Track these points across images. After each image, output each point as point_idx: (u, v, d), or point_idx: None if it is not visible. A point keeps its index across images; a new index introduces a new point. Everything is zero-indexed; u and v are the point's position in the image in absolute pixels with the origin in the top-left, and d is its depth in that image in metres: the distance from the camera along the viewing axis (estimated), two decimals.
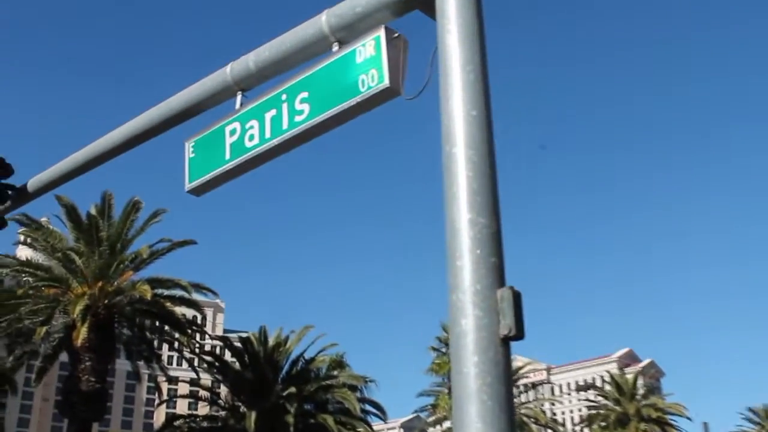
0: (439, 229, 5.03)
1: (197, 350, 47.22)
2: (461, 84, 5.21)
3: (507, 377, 4.57)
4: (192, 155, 7.54)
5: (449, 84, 5.25)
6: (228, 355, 53.56)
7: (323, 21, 6.54)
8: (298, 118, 6.60)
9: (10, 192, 10.27)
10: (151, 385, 46.02)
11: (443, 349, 61.79)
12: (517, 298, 4.66)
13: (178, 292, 39.66)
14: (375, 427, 52.62)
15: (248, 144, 6.98)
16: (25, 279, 37.88)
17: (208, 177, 7.33)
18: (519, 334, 4.60)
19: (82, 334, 33.41)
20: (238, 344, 50.49)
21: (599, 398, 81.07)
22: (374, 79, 6.03)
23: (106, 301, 35.98)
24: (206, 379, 51.92)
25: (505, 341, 4.60)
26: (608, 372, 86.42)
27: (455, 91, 5.21)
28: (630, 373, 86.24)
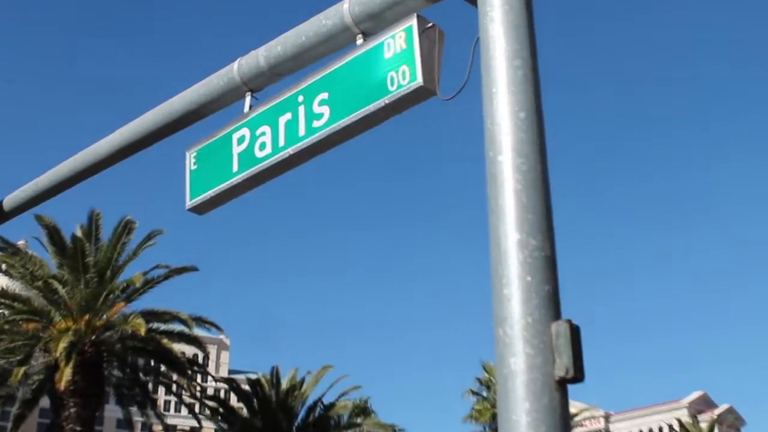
0: (483, 252, 4.99)
1: (199, 394, 47.31)
2: (507, 81, 5.18)
3: (564, 426, 4.51)
4: (194, 167, 7.55)
5: (493, 81, 5.22)
6: (234, 400, 53.73)
7: (345, 9, 6.53)
8: (316, 123, 6.59)
9: None
10: None
11: (484, 393, 61.73)
12: (575, 333, 4.60)
13: (177, 327, 39.88)
14: None
15: (259, 154, 6.98)
16: None
17: (212, 192, 7.33)
18: (578, 376, 4.53)
19: (65, 375, 33.59)
20: (246, 387, 50.65)
21: None
22: (405, 76, 6.01)
23: (93, 338, 36.21)
24: (209, 427, 52.08)
25: (562, 384, 4.54)
26: (678, 420, 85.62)
27: (500, 90, 5.17)
28: (704, 422, 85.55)
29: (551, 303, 4.69)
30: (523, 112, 5.09)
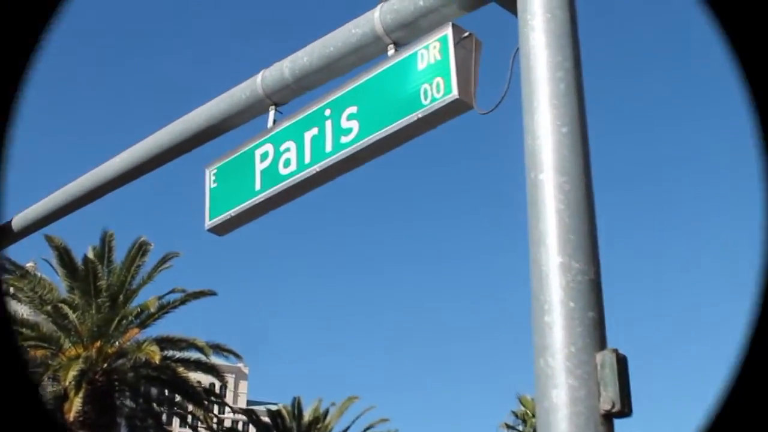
0: (522, 276, 4.97)
1: (216, 426, 47.39)
2: (549, 94, 5.16)
3: None
4: (214, 185, 7.57)
5: (534, 94, 5.21)
6: None
7: (376, 18, 6.53)
8: (344, 139, 6.59)
9: None
10: None
11: (520, 427, 61.44)
12: (621, 363, 4.56)
13: (194, 355, 40.01)
14: None
15: (283, 171, 6.99)
16: None
17: (233, 212, 7.34)
18: (625, 410, 4.50)
19: (75, 405, 33.76)
20: (266, 419, 50.69)
21: None
22: (440, 89, 6.00)
23: (105, 366, 36.35)
24: None
25: (608, 418, 4.50)
26: None
27: (542, 104, 5.16)
28: None
29: (596, 331, 4.65)
30: (566, 127, 5.06)
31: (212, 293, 40.04)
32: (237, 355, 42.76)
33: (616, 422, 4.55)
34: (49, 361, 36.32)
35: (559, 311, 4.66)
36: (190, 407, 42.30)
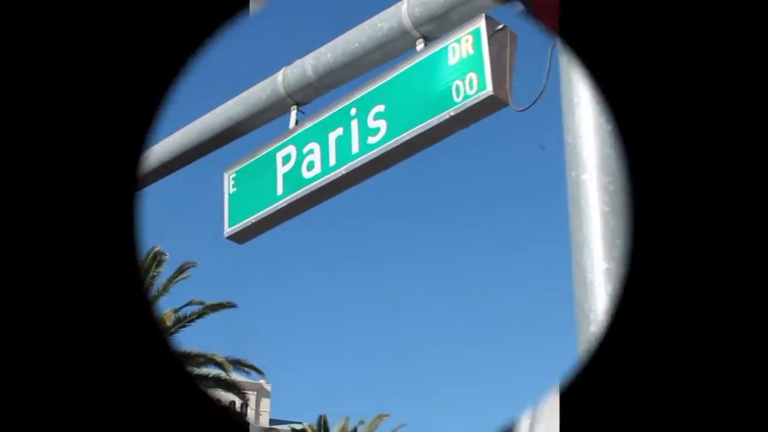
0: (564, 283, 4.94)
1: None
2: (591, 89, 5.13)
3: None
4: (233, 190, 7.57)
5: (574, 89, 5.16)
6: None
7: (404, 11, 6.51)
8: (371, 140, 6.58)
9: None
10: None
11: None
12: None
13: (212, 371, 40.01)
14: None
15: (307, 174, 6.98)
16: None
17: (254, 218, 7.34)
18: None
19: None
20: None
21: None
22: (473, 85, 5.98)
23: None
24: None
25: None
26: None
27: (583, 99, 5.11)
28: None
29: None
30: (610, 123, 5.03)
31: (232, 305, 40.03)
32: (259, 371, 42.79)
33: None
34: None
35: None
36: None
